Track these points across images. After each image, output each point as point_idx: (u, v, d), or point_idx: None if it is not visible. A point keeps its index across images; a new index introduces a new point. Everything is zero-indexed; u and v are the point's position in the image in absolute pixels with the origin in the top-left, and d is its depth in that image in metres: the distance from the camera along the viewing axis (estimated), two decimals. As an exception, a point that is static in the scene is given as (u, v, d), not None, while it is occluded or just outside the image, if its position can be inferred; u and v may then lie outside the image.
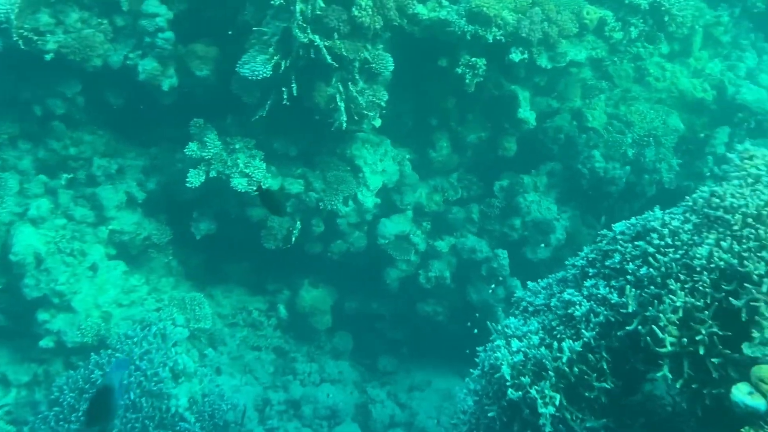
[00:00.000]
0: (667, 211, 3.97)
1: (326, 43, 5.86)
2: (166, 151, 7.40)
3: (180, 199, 7.25)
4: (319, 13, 5.83)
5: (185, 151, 6.69)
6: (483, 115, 7.49)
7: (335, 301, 8.41)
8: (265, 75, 6.00)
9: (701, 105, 8.43)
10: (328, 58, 5.87)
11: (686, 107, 8.46)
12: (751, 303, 3.35)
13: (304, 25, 5.80)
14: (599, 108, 7.98)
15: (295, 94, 6.09)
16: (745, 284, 3.35)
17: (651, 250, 3.77)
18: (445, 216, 8.04)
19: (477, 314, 7.18)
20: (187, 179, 6.63)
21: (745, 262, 3.38)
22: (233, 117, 6.91)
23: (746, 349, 3.35)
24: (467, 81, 6.71)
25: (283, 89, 6.06)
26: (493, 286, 7.70)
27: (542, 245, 7.85)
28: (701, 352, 3.49)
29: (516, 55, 6.58)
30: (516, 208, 7.99)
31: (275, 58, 5.95)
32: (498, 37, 6.52)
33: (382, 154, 7.42)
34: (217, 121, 6.89)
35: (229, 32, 6.42)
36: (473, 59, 6.67)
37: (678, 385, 3.48)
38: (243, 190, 6.61)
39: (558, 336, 4.03)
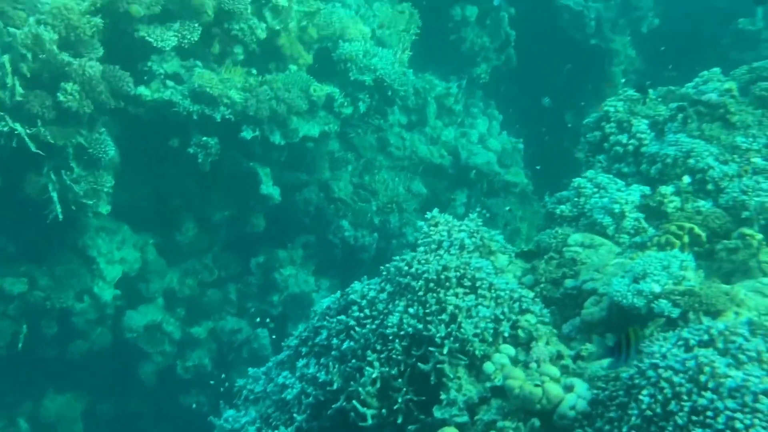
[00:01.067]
0: (366, 282, 4.04)
1: (30, 131, 5.42)
2: None
3: None
4: (19, 99, 5.40)
5: None
6: (228, 193, 7.36)
7: (86, 406, 7.65)
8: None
9: (440, 170, 9.02)
10: (32, 147, 5.43)
11: (428, 172, 9.02)
12: (437, 366, 3.46)
13: (2, 113, 5.33)
14: (344, 179, 8.22)
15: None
16: (431, 348, 3.46)
17: (352, 322, 3.80)
18: (200, 300, 7.71)
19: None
20: None
21: (429, 326, 3.50)
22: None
23: (436, 412, 3.44)
24: (200, 160, 6.57)
25: (-10, 182, 5.50)
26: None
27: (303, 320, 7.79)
28: (399, 420, 3.53)
29: (247, 133, 6.57)
30: (274, 284, 7.90)
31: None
32: (227, 116, 6.48)
33: (119, 241, 6.98)
34: None
35: None
36: (204, 138, 6.56)
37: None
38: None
39: (273, 423, 3.88)
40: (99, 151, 5.82)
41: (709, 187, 4.46)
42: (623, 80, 10.37)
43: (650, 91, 5.29)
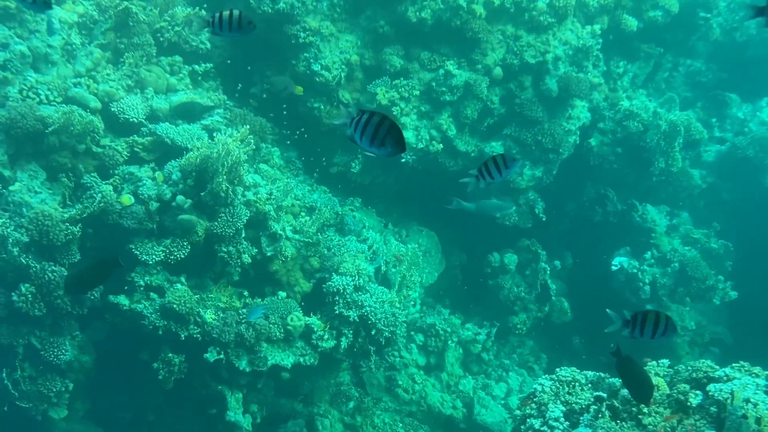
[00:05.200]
0: None
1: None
2: None
3: None
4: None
5: None
6: (197, 415, 7.14)
7: None
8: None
9: (450, 422, 8.26)
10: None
11: (436, 422, 8.28)
12: None
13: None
14: (335, 417, 7.73)
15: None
16: None
17: None
18: None
19: None
20: None
21: None
22: None
23: None
24: (161, 377, 6.51)
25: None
26: None
27: None
28: None
29: (211, 355, 6.48)
30: None
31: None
32: (195, 335, 6.49)
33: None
34: None
35: None
36: (170, 355, 6.56)
37: None
38: None
39: None
40: (50, 355, 5.95)
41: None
42: (686, 352, 9.32)
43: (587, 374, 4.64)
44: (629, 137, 8.82)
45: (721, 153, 10.63)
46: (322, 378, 7.91)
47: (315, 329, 6.87)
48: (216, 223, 6.58)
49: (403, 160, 8.26)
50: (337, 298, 6.97)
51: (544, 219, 8.87)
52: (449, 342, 8.67)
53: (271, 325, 6.69)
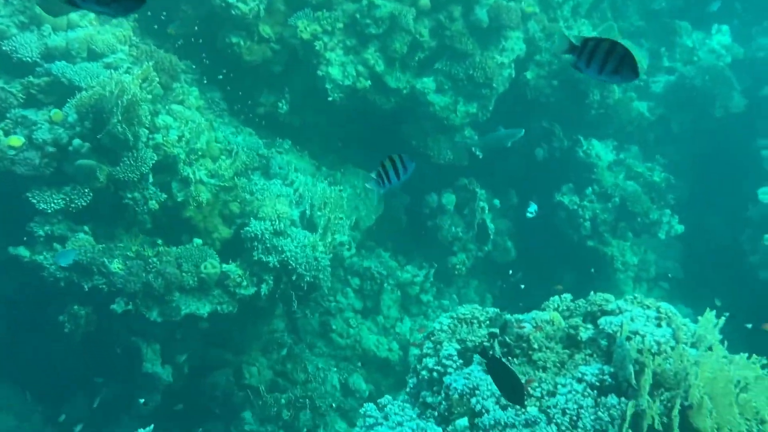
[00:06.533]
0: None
1: None
2: None
3: None
4: None
5: None
6: (114, 368, 6.91)
7: None
8: None
9: (386, 364, 8.11)
10: None
11: (372, 365, 8.13)
12: None
13: None
14: (263, 364, 7.53)
15: None
16: None
17: None
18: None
19: None
20: None
21: None
22: None
23: None
24: (67, 330, 6.25)
25: None
26: None
27: None
28: None
29: (119, 306, 6.20)
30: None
31: None
32: (101, 287, 6.19)
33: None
34: None
35: None
36: (75, 307, 6.28)
37: None
38: None
39: None
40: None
41: (480, 438, 3.43)
42: (629, 287, 9.19)
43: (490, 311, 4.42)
44: (564, 69, 8.45)
45: (670, 83, 10.34)
46: (253, 326, 7.69)
47: (232, 276, 6.58)
48: (118, 168, 6.21)
49: (330, 99, 7.86)
50: (256, 244, 6.68)
51: (480, 157, 8.55)
52: (385, 285, 8.45)
53: (183, 274, 6.40)
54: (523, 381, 3.28)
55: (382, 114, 8.38)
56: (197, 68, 7.95)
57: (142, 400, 6.43)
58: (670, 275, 9.86)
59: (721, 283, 9.72)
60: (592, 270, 8.86)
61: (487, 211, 8.87)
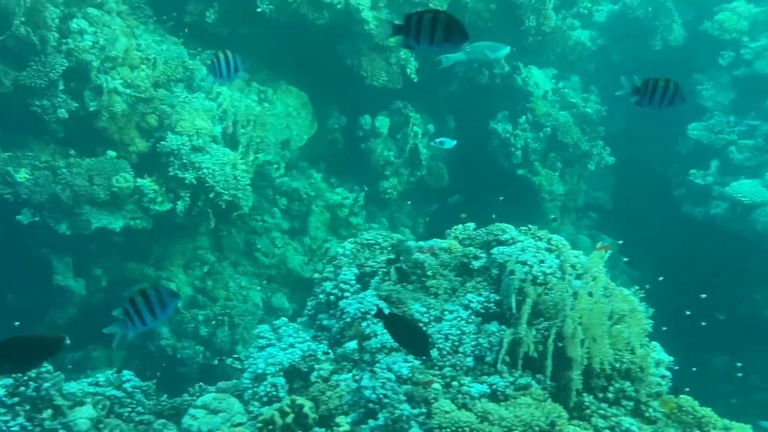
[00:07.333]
0: None
1: None
2: None
3: None
4: None
5: None
6: (22, 279, 6.76)
7: None
8: None
9: (311, 284, 8.12)
10: None
11: (297, 285, 8.15)
12: None
13: None
14: (183, 281, 7.47)
15: None
16: None
17: None
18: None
19: None
20: None
21: None
22: None
23: None
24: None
25: None
26: None
27: None
28: None
29: (25, 217, 6.00)
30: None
31: None
32: (6, 196, 5.97)
33: None
34: None
35: None
36: (-20, 216, 6.06)
37: None
38: None
39: None
40: None
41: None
42: (552, 217, 9.29)
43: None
44: (501, -8, 8.22)
45: (614, 13, 10.21)
46: (176, 242, 7.57)
47: (146, 191, 6.40)
48: (24, 74, 5.88)
49: (259, 9, 7.52)
50: (172, 159, 6.50)
51: (415, 80, 8.37)
52: (313, 206, 8.37)
53: (94, 186, 6.20)
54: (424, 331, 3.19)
55: (316, 30, 8.08)
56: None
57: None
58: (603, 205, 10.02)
59: (646, 215, 9.96)
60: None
61: (420, 137, 8.76)
